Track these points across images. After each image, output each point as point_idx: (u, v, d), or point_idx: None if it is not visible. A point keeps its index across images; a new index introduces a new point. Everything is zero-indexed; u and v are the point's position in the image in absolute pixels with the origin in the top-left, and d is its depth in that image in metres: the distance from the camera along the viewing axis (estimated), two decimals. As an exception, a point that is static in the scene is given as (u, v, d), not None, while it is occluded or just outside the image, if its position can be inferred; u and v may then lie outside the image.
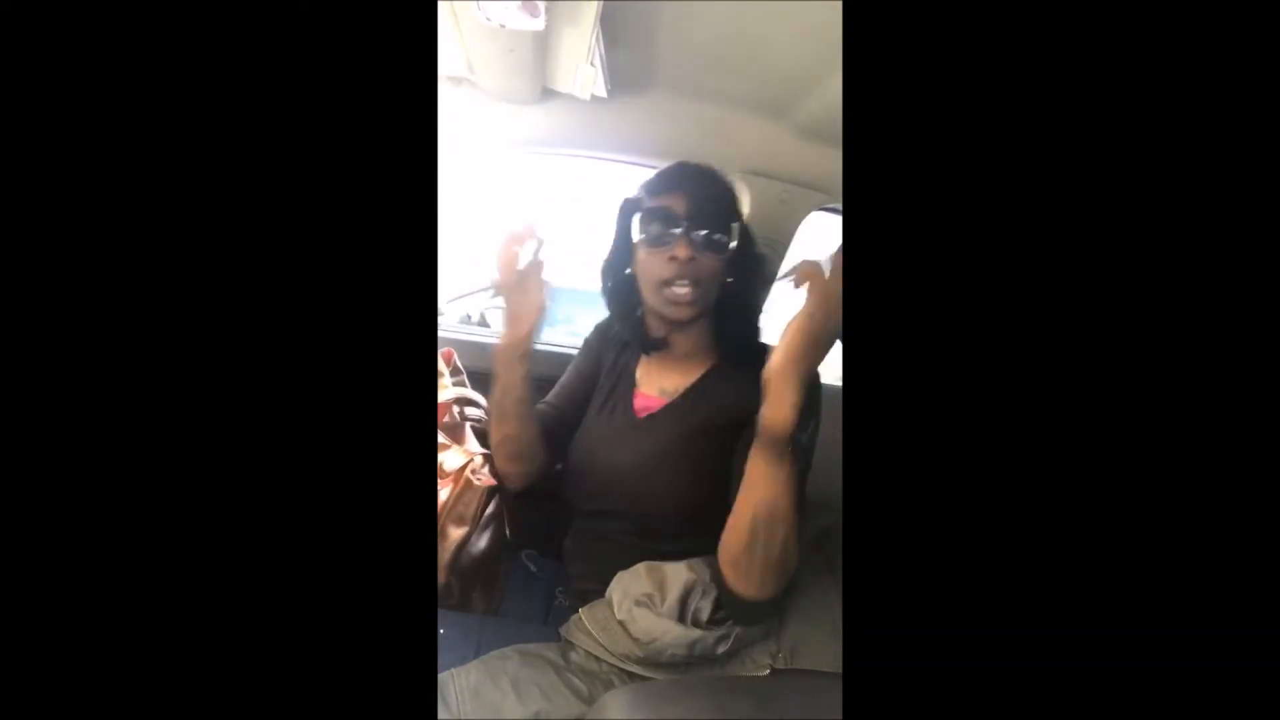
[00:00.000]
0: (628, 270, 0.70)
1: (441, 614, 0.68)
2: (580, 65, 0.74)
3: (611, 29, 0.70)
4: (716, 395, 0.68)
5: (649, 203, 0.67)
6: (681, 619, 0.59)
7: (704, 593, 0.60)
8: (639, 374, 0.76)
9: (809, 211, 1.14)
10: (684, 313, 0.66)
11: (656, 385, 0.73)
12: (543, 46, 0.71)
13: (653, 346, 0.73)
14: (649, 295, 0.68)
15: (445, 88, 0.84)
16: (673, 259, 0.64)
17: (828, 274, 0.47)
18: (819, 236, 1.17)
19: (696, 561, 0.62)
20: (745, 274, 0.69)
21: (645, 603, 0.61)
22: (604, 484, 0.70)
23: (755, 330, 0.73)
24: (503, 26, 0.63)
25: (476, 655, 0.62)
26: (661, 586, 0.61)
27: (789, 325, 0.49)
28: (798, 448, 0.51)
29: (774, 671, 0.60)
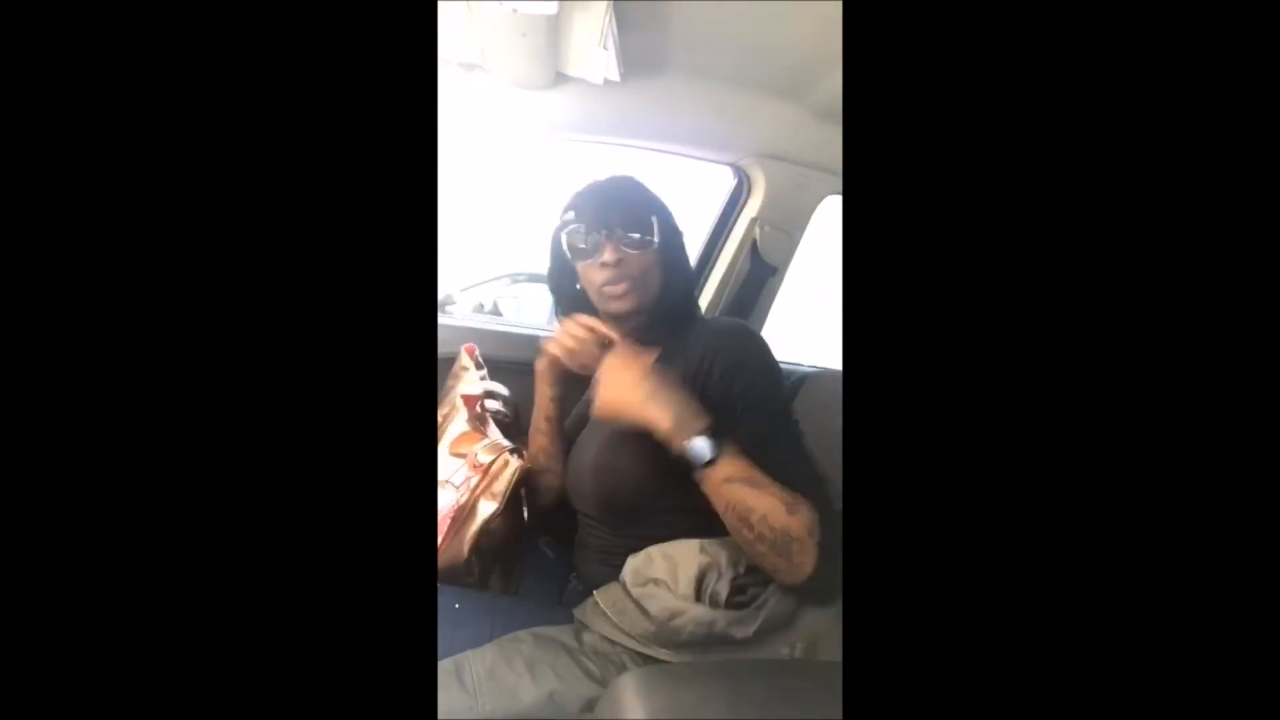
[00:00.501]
0: (578, 286, 0.75)
1: (459, 592, 0.69)
2: (593, 49, 0.73)
3: (624, 12, 0.70)
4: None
5: (571, 221, 0.72)
6: (699, 599, 0.60)
7: (720, 575, 0.61)
8: None
9: (825, 196, 1.12)
10: (623, 305, 0.70)
11: None
12: (555, 30, 0.70)
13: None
14: (596, 301, 0.73)
15: (458, 74, 0.84)
16: (603, 265, 0.69)
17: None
18: (834, 221, 1.16)
19: (710, 543, 0.63)
20: (672, 264, 0.74)
21: (662, 583, 0.62)
22: (578, 482, 0.73)
23: (688, 313, 0.77)
24: (515, 11, 0.62)
25: (492, 634, 0.64)
26: (675, 568, 0.62)
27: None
28: (696, 455, 0.57)
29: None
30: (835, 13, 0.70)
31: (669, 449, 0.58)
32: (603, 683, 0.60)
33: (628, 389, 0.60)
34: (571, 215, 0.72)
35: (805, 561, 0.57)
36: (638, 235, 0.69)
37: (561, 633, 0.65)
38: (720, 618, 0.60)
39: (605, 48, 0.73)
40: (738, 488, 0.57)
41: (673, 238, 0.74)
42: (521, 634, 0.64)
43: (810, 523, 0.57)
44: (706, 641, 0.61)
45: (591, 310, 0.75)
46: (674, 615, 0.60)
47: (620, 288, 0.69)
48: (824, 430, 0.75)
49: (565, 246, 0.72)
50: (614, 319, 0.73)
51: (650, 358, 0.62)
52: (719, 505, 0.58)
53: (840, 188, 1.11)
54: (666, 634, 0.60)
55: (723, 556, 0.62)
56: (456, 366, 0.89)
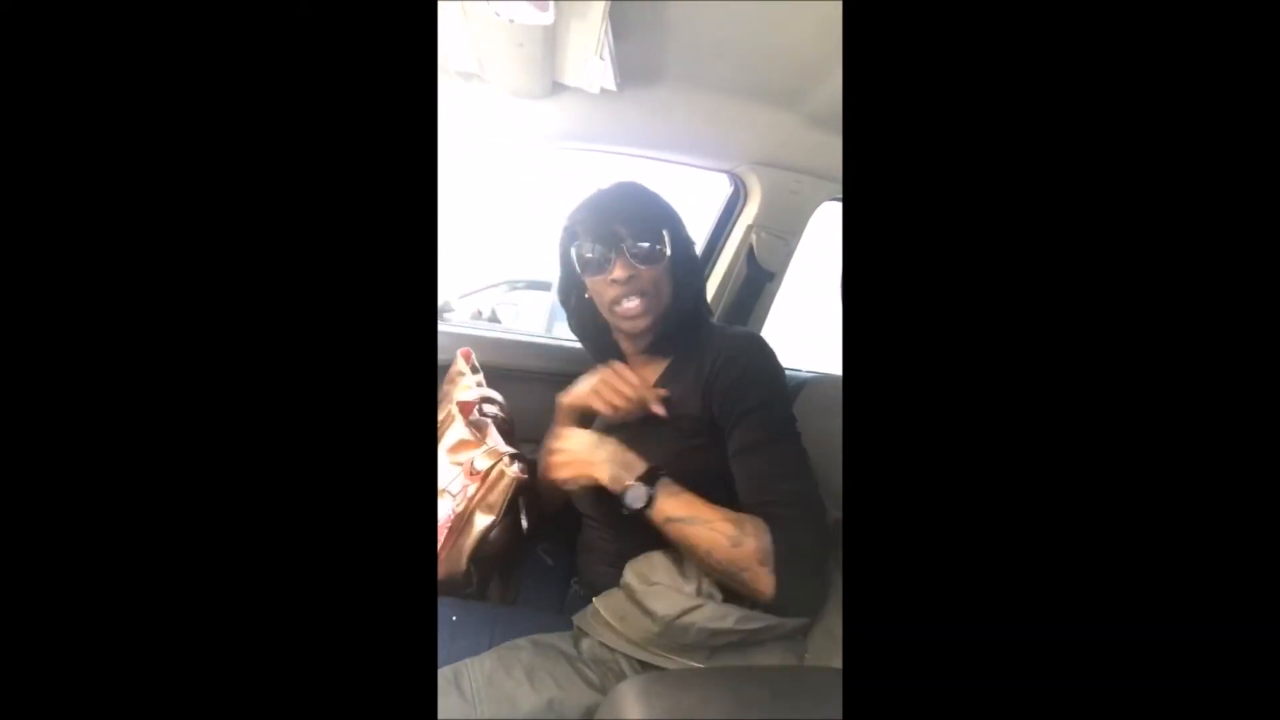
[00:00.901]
0: (586, 295, 0.75)
1: (457, 602, 0.69)
2: (589, 59, 0.74)
3: (620, 22, 0.70)
4: (674, 382, 0.71)
5: (581, 233, 0.71)
6: (701, 595, 0.61)
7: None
8: None
9: (820, 202, 1.13)
10: (638, 325, 0.70)
11: None
12: (552, 40, 0.71)
13: (623, 356, 0.79)
14: (607, 315, 0.73)
15: (455, 83, 0.84)
16: (614, 281, 0.68)
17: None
18: (831, 227, 1.16)
19: None
20: (683, 274, 0.73)
21: (667, 583, 0.62)
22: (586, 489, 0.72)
23: (699, 322, 0.76)
24: (512, 21, 0.63)
25: (491, 642, 0.64)
26: (676, 570, 0.63)
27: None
28: (631, 500, 0.60)
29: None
30: (829, 21, 0.71)
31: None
32: (602, 690, 0.60)
33: (585, 455, 0.63)
34: (579, 227, 0.71)
35: (762, 586, 0.58)
36: (648, 245, 0.68)
37: (561, 640, 0.65)
38: (731, 614, 0.59)
39: (601, 57, 0.74)
40: (679, 527, 0.59)
41: (684, 249, 0.73)
42: (521, 641, 0.64)
43: (759, 550, 0.58)
44: (713, 643, 0.60)
45: (601, 322, 0.75)
46: (683, 613, 0.59)
47: (634, 306, 0.68)
48: (822, 435, 0.75)
49: (574, 260, 0.71)
50: (626, 336, 0.74)
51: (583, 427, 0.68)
52: (670, 539, 0.61)
53: (835, 193, 1.12)
54: (673, 634, 0.60)
55: None
56: (452, 371, 0.89)
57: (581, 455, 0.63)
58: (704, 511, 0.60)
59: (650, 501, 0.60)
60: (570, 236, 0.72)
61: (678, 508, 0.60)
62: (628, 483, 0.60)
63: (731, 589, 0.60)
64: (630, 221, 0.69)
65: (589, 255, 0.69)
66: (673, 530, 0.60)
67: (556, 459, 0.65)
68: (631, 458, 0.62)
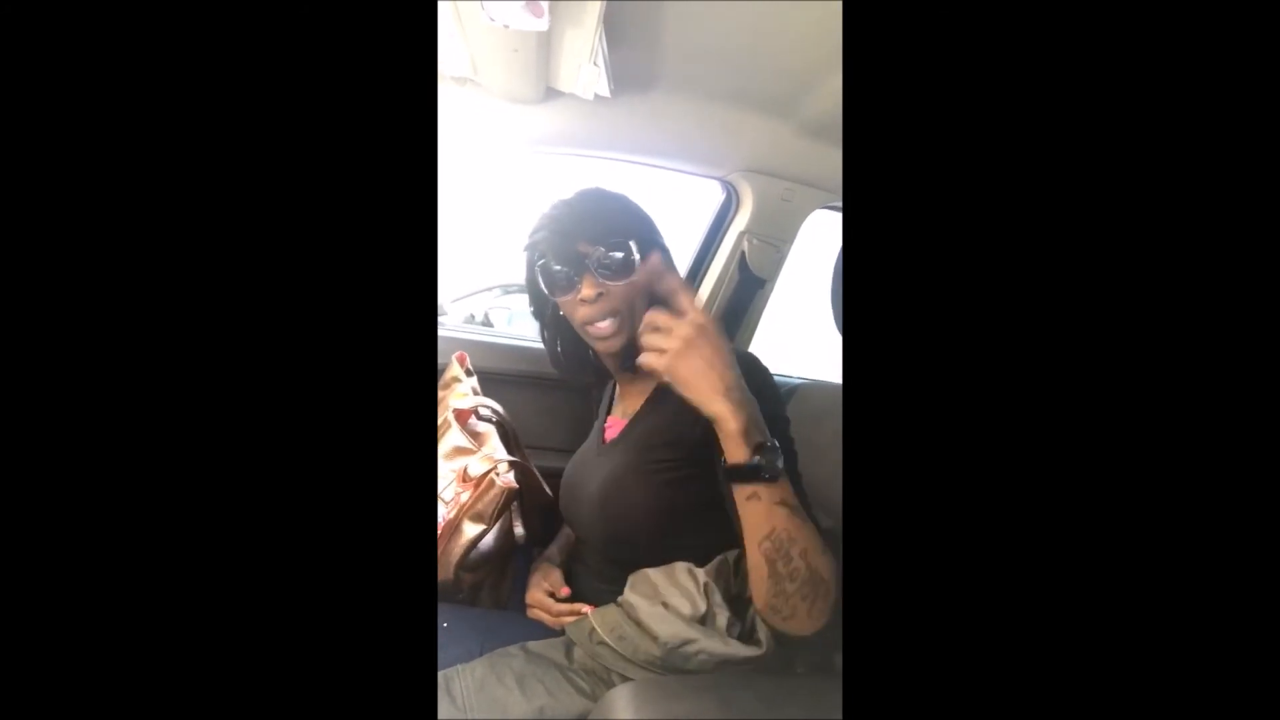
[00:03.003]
0: (561, 313, 0.70)
1: (448, 608, 0.69)
2: (584, 65, 0.74)
3: (615, 28, 0.71)
4: (662, 407, 0.67)
5: (542, 251, 0.66)
6: (705, 623, 0.58)
7: (721, 601, 0.59)
8: (614, 401, 0.77)
9: (812, 210, 1.14)
10: (612, 345, 0.66)
11: (621, 409, 0.75)
12: (546, 46, 0.71)
13: (609, 374, 0.76)
14: (582, 335, 0.69)
15: (450, 88, 0.84)
16: (583, 302, 0.64)
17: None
18: (822, 235, 1.17)
19: (700, 569, 0.61)
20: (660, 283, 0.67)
21: (672, 607, 0.59)
22: (578, 509, 0.71)
23: None
24: (507, 27, 0.63)
25: (481, 649, 0.63)
26: (674, 591, 0.60)
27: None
28: (768, 465, 0.50)
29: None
30: (823, 29, 0.72)
31: (724, 454, 0.51)
32: (593, 699, 0.59)
33: (709, 369, 0.50)
34: (542, 247, 0.66)
35: (824, 609, 0.52)
36: (620, 255, 0.63)
37: (552, 648, 0.65)
38: (738, 649, 0.56)
39: (596, 64, 0.74)
40: (788, 514, 0.50)
41: (655, 255, 0.67)
42: (513, 649, 0.63)
43: (836, 568, 0.52)
44: (721, 669, 0.57)
45: (578, 337, 0.70)
46: (686, 642, 0.56)
47: (605, 327, 0.64)
48: (814, 441, 0.75)
49: (541, 284, 0.67)
50: (605, 355, 0.70)
51: (730, 353, 0.52)
52: (760, 530, 0.51)
53: (827, 201, 1.13)
54: (676, 659, 0.57)
55: (715, 583, 0.60)
56: (447, 376, 0.89)
57: (716, 379, 0.50)
58: (801, 505, 0.52)
59: (779, 474, 0.51)
60: (535, 256, 0.67)
61: (790, 492, 0.51)
62: (762, 441, 0.50)
63: (788, 608, 0.52)
64: (594, 236, 0.64)
65: (555, 275, 0.65)
66: (778, 517, 0.50)
67: (687, 357, 0.51)
68: (761, 419, 0.52)
